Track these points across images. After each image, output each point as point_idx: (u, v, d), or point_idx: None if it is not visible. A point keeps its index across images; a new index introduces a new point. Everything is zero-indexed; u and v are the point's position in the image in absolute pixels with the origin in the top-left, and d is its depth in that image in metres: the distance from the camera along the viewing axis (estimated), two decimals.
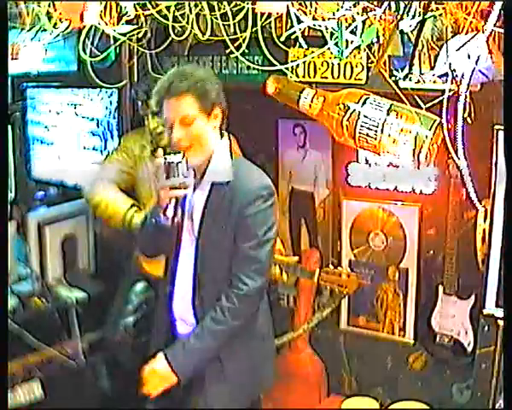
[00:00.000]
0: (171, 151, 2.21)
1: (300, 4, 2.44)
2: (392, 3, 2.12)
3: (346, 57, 2.55)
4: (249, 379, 2.43)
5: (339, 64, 2.99)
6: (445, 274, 3.10)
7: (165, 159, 2.18)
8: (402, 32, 2.12)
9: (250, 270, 2.27)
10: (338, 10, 2.28)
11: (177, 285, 2.42)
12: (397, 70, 2.44)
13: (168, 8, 2.80)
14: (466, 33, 2.16)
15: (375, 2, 2.19)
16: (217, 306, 2.28)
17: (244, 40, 2.84)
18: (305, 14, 2.45)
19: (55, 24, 3.04)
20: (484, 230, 2.70)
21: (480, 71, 2.25)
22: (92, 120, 3.82)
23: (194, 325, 2.36)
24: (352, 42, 2.36)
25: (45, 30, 3.15)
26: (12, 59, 3.60)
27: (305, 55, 2.94)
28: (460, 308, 3.10)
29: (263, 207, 2.27)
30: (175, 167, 2.17)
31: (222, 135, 2.35)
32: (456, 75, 2.23)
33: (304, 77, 3.08)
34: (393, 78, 2.50)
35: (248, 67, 3.10)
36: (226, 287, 2.29)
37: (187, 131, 2.21)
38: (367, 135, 2.76)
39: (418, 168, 2.84)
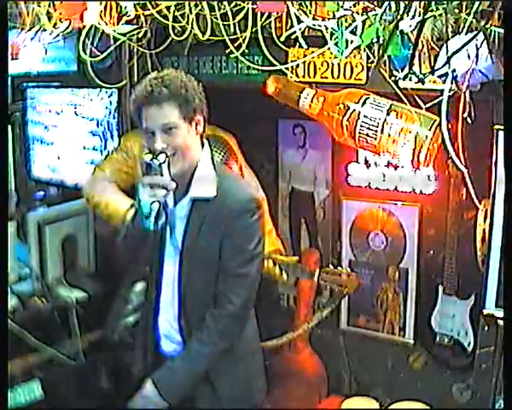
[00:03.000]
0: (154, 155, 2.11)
1: (300, 4, 2.44)
2: (393, 3, 2.12)
3: (346, 57, 2.55)
4: (241, 395, 2.36)
5: (339, 64, 2.99)
6: (445, 274, 3.11)
7: (148, 158, 2.10)
8: (402, 32, 2.12)
9: (237, 287, 2.19)
10: (338, 10, 2.28)
11: (162, 302, 2.33)
12: (397, 70, 2.44)
13: (168, 8, 2.80)
14: (466, 33, 2.16)
15: (375, 2, 2.18)
16: (203, 327, 2.20)
17: (244, 40, 2.84)
18: (305, 14, 2.45)
19: (55, 24, 3.05)
20: (484, 230, 2.70)
21: (479, 71, 2.25)
22: (92, 120, 3.81)
23: (180, 344, 2.29)
24: (351, 42, 2.36)
25: (45, 30, 3.15)
26: (12, 59, 3.60)
27: (305, 55, 2.93)
28: (460, 308, 3.10)
29: (251, 222, 2.18)
30: (156, 166, 2.08)
31: (203, 144, 2.25)
32: (456, 75, 2.23)
33: (304, 77, 3.07)
34: (393, 78, 2.50)
35: (248, 67, 3.09)
36: (212, 306, 2.21)
37: (169, 140, 2.11)
38: (367, 135, 2.76)
39: (418, 168, 2.84)
